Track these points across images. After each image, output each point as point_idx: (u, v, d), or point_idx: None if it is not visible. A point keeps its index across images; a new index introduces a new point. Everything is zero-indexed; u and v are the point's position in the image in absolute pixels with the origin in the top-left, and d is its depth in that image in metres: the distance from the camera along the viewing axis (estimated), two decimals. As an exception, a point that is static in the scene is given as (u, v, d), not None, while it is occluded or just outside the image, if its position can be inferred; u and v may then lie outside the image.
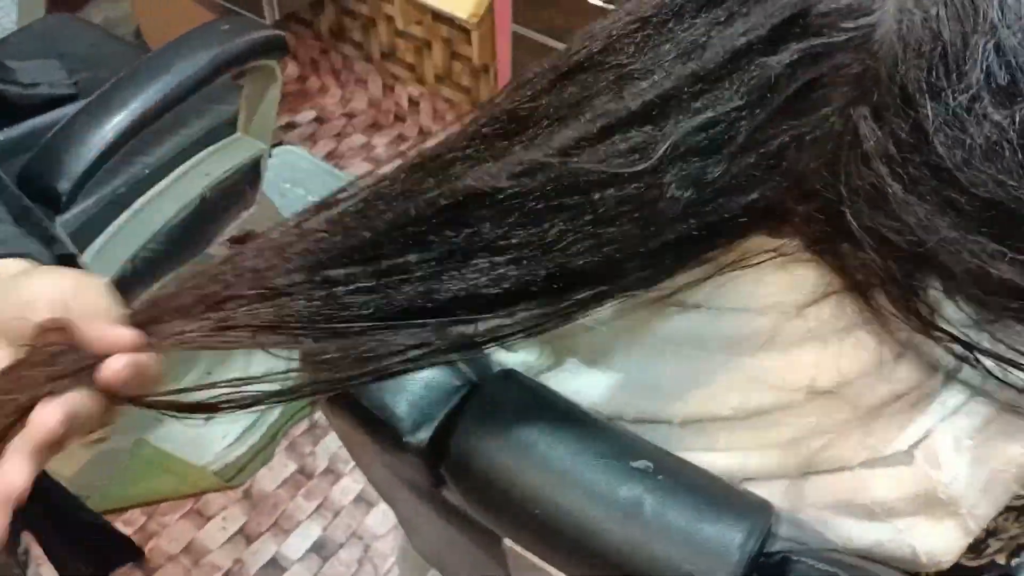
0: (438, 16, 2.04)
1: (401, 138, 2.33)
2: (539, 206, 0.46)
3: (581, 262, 0.46)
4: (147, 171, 1.34)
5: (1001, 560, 0.61)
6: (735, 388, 0.54)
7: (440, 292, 0.47)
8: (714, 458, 0.55)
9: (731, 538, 0.48)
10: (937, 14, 0.40)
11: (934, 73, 0.40)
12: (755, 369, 0.53)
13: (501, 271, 0.47)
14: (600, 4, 1.39)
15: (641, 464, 0.51)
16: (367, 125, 2.37)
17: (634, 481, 0.50)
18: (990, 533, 0.55)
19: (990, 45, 0.40)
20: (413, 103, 2.33)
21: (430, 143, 0.54)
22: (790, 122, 0.43)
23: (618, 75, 0.45)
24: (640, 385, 0.57)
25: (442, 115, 2.29)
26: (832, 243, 0.46)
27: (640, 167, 0.44)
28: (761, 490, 0.54)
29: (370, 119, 2.39)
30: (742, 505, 0.50)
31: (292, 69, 2.51)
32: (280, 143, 2.17)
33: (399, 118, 2.37)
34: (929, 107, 0.40)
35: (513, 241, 0.46)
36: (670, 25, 0.44)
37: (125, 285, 1.26)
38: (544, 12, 1.50)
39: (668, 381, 0.56)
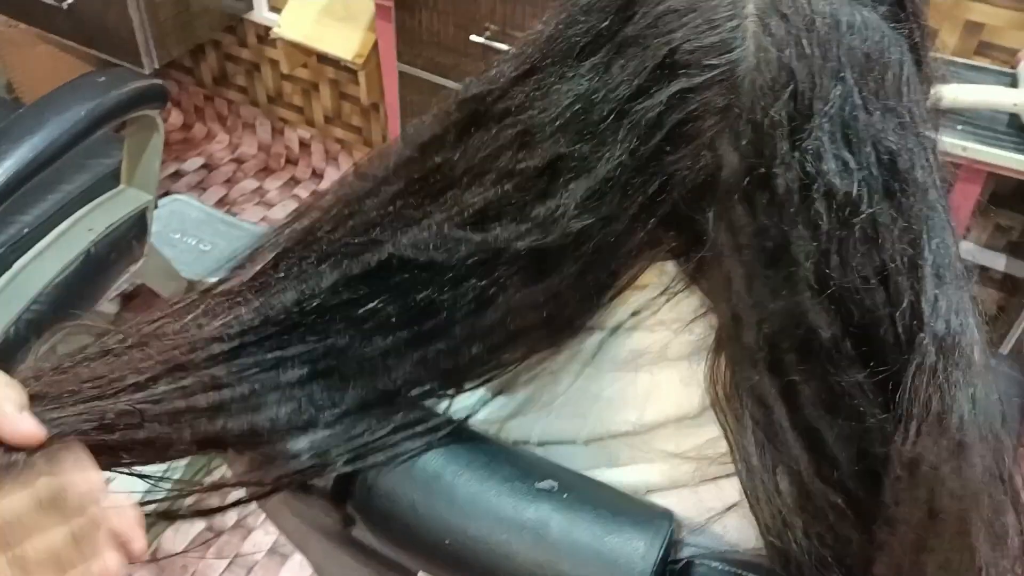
0: (323, 58, 2.04)
1: (294, 180, 2.31)
2: (461, 274, 0.49)
3: (494, 321, 0.50)
4: (27, 230, 1.29)
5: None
6: (632, 404, 0.55)
7: (368, 370, 0.51)
8: (618, 473, 0.57)
9: (634, 548, 0.49)
10: (790, 53, 0.43)
11: (784, 110, 0.43)
12: (650, 384, 0.55)
13: (414, 346, 0.51)
14: (482, 41, 1.43)
15: (546, 485, 0.52)
16: (258, 169, 2.34)
17: (540, 502, 0.51)
18: None
19: (836, 89, 0.43)
20: (304, 145, 2.31)
21: (332, 201, 0.54)
22: (670, 158, 0.45)
23: (516, 132, 0.48)
24: (543, 408, 0.58)
25: (334, 156, 2.28)
26: (704, 269, 0.49)
27: (550, 233, 0.47)
28: (665, 500, 0.56)
29: (260, 163, 2.36)
30: (644, 516, 0.51)
31: (176, 117, 2.46)
32: (167, 193, 2.12)
33: (290, 161, 2.35)
34: (778, 143, 0.44)
35: (437, 306, 0.50)
36: (556, 73, 0.47)
37: (8, 351, 1.20)
38: (427, 51, 1.52)
39: (569, 402, 0.57)
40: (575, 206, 0.46)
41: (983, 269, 1.62)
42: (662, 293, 0.53)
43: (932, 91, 0.52)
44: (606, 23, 0.47)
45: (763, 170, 0.44)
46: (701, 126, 0.44)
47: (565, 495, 0.52)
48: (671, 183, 0.46)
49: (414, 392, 0.54)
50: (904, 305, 0.44)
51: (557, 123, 0.47)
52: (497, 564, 0.51)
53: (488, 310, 0.50)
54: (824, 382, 0.46)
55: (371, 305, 0.50)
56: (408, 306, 0.50)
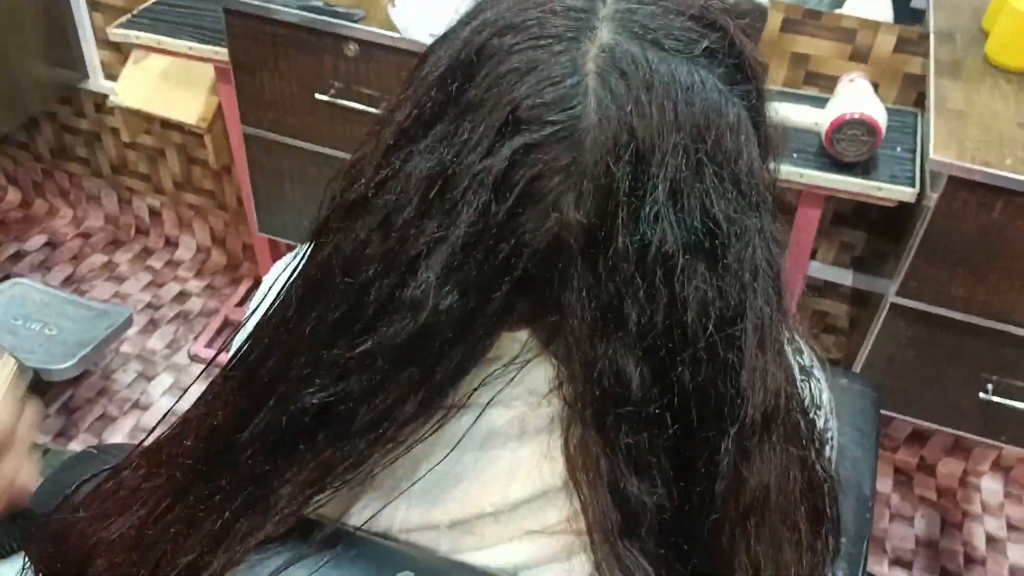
0: (168, 123, 1.96)
1: (146, 251, 2.21)
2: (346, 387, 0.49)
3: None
4: None
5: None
6: (495, 483, 0.54)
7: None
8: (485, 555, 0.55)
9: (499, 636, 0.47)
10: (630, 111, 0.43)
11: (626, 169, 0.43)
12: (511, 461, 0.53)
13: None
14: (327, 99, 1.40)
15: (402, 577, 0.50)
16: (106, 243, 2.23)
17: (397, 598, 0.49)
18: None
19: (672, 151, 0.44)
20: (155, 214, 2.21)
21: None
22: (519, 220, 0.45)
23: (379, 221, 0.47)
24: (404, 496, 0.56)
25: (187, 222, 2.20)
26: (555, 333, 0.48)
27: (419, 313, 0.47)
28: None
29: (109, 236, 2.25)
30: (508, 599, 0.49)
31: (13, 195, 2.32)
32: (7, 277, 1.98)
33: (141, 231, 2.25)
34: (618, 204, 0.43)
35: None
36: (408, 150, 0.47)
37: None
38: (271, 111, 1.48)
39: (430, 487, 0.55)
40: (436, 279, 0.46)
41: (833, 286, 1.70)
42: (512, 362, 0.51)
43: (772, 153, 0.53)
44: (452, 87, 0.46)
45: (603, 231, 0.44)
46: (546, 185, 0.44)
47: (424, 586, 0.49)
48: (521, 246, 0.45)
49: (291, 502, 0.52)
50: (722, 375, 0.45)
51: (414, 200, 0.46)
52: (356, 671, 0.47)
53: (369, 405, 0.49)
54: (637, 443, 0.46)
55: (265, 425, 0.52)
56: (301, 422, 0.51)
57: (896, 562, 1.68)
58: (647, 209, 0.43)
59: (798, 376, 0.59)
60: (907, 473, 1.83)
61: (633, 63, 0.44)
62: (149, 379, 1.91)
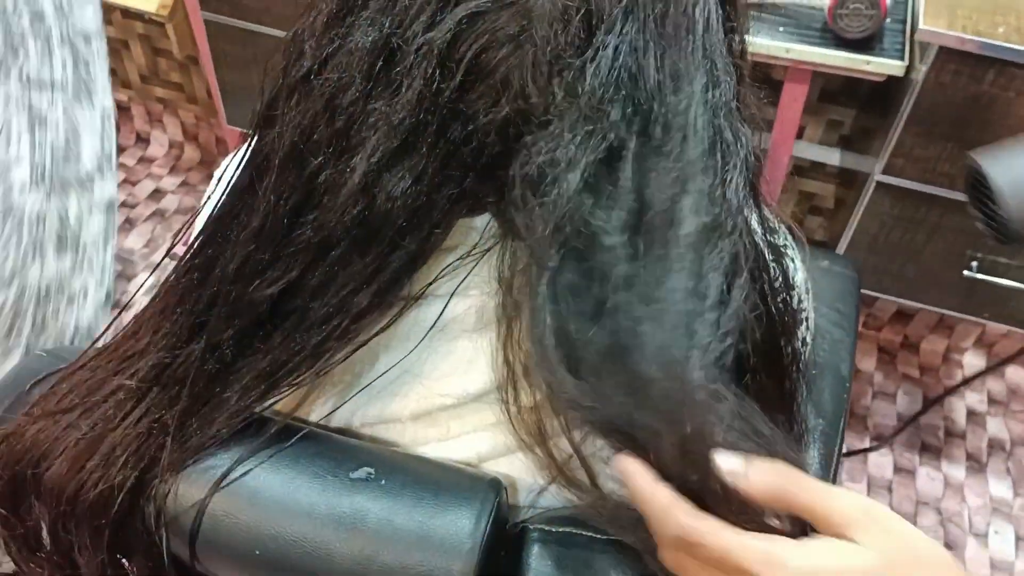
0: (129, 12, 1.88)
1: (118, 149, 2.15)
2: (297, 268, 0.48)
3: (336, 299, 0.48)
4: None
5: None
6: (455, 374, 0.52)
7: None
8: (447, 447, 0.54)
9: (460, 527, 0.46)
10: None
11: (575, 36, 0.40)
12: (471, 352, 0.52)
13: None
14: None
15: (361, 474, 0.49)
16: (76, 141, 2.17)
17: (356, 493, 0.48)
18: None
19: (620, 12, 0.40)
20: (123, 109, 2.14)
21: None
22: (470, 97, 0.42)
23: (324, 102, 0.44)
24: (365, 391, 0.54)
25: (158, 117, 2.13)
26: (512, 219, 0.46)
27: (374, 200, 0.44)
28: (498, 467, 0.53)
29: (78, 134, 2.18)
30: (470, 490, 0.49)
31: (-25, 92, 2.24)
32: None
33: (111, 127, 2.18)
34: (567, 69, 0.40)
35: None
36: (348, 22, 0.44)
37: None
38: (232, -5, 1.41)
39: (390, 380, 0.53)
40: (385, 163, 0.43)
41: (820, 166, 1.66)
42: (470, 252, 0.49)
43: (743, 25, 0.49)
44: None
45: (554, 103, 0.41)
46: (494, 57, 0.41)
47: (383, 481, 0.49)
48: (473, 127, 0.43)
49: (243, 397, 0.50)
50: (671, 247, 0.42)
51: (357, 78, 0.43)
52: (316, 567, 0.47)
53: (322, 298, 0.47)
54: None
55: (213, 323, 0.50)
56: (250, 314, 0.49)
57: (877, 438, 1.71)
58: (592, 76, 0.41)
59: (769, 256, 0.57)
60: (891, 352, 1.84)
61: None
62: (129, 279, 1.89)
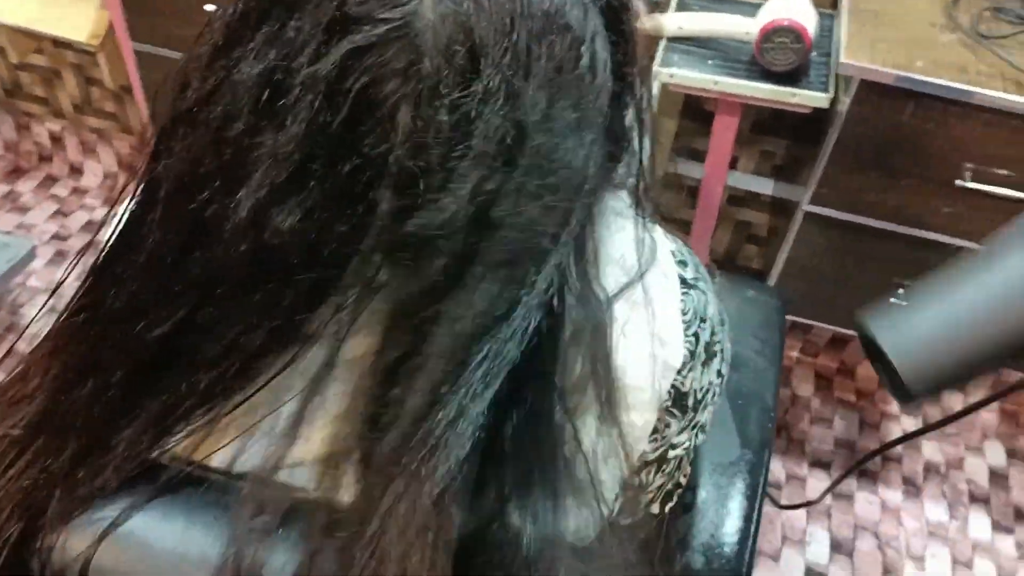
0: (60, 42, 1.84)
1: (50, 179, 2.10)
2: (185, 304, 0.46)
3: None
4: None
5: (656, 510, 0.64)
6: (358, 416, 0.51)
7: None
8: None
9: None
10: (467, 6, 0.39)
11: (457, 71, 0.39)
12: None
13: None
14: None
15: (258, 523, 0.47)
16: (7, 172, 2.11)
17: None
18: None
19: (503, 50, 0.40)
20: (56, 139, 2.10)
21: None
22: (360, 131, 0.41)
23: (211, 134, 0.43)
24: (268, 432, 0.53)
25: (91, 147, 2.09)
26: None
27: (262, 231, 0.43)
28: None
29: (9, 164, 2.13)
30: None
31: (-99, 124, 2.18)
32: (-103, 210, 1.87)
33: (44, 158, 2.13)
34: (446, 105, 0.40)
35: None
36: (235, 54, 0.42)
37: None
38: (162, 25, 1.39)
39: (293, 421, 0.52)
40: (273, 197, 0.42)
41: (755, 195, 1.69)
42: (364, 288, 0.48)
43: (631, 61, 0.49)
44: None
45: (433, 137, 0.40)
46: (381, 91, 0.40)
47: (280, 530, 0.47)
48: (363, 161, 0.42)
49: (133, 445, 0.48)
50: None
51: (244, 111, 0.42)
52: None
53: (214, 337, 0.46)
54: None
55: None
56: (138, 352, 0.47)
57: (815, 464, 1.72)
58: (467, 110, 0.40)
59: (679, 289, 0.56)
60: (827, 377, 1.87)
61: None
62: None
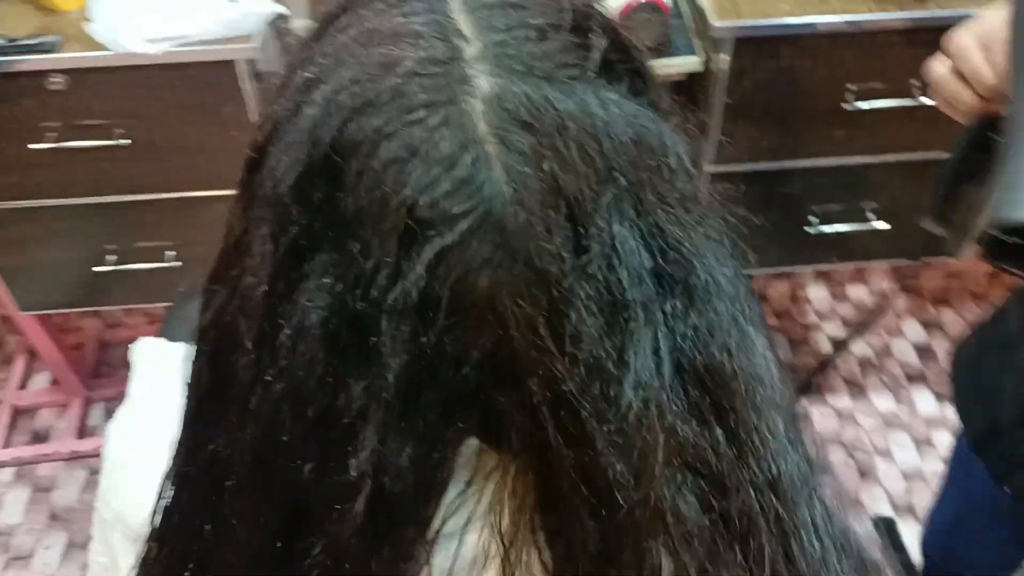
0: None
1: None
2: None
3: None
4: None
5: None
6: None
7: None
8: None
9: None
10: (549, 167, 0.34)
11: (560, 236, 0.35)
12: None
13: None
14: (47, 147, 1.17)
15: None
16: None
17: None
18: None
19: (609, 194, 0.35)
20: None
21: None
22: (457, 336, 0.35)
23: (282, 399, 0.37)
24: None
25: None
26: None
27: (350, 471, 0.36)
28: None
29: None
30: None
31: None
32: None
33: None
34: (564, 272, 0.35)
35: None
36: (286, 303, 0.36)
37: None
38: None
39: None
40: (381, 442, 0.36)
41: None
42: (472, 480, 0.42)
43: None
44: (316, 199, 0.35)
45: (553, 312, 0.35)
46: (473, 286, 0.35)
47: None
48: (463, 365, 0.36)
49: None
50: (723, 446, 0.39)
51: (320, 363, 0.36)
52: None
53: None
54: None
55: None
56: None
57: (766, 395, 1.77)
58: (596, 266, 0.35)
59: None
60: (746, 309, 1.92)
61: (532, 108, 0.35)
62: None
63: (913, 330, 1.90)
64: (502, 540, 0.41)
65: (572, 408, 0.36)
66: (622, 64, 0.39)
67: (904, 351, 1.86)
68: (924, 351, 1.86)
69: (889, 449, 1.71)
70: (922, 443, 1.72)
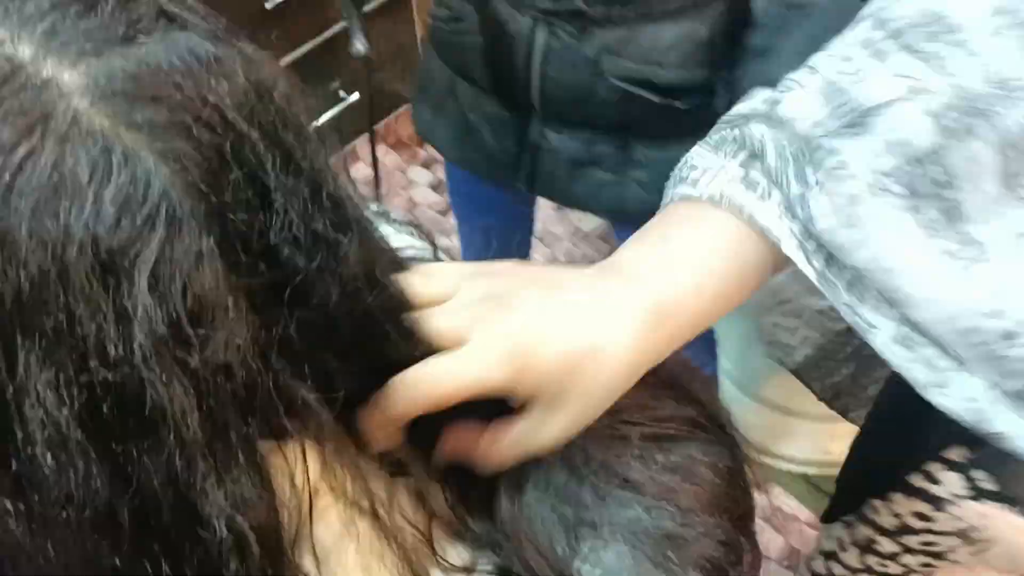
0: None
1: None
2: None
3: None
4: None
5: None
6: None
7: None
8: None
9: None
10: (196, 129, 0.30)
11: (246, 190, 0.32)
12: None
13: None
14: None
15: None
16: None
17: None
18: None
19: (267, 150, 0.33)
20: None
21: None
22: (216, 339, 0.31)
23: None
24: None
25: None
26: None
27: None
28: None
29: None
30: None
31: None
32: None
33: None
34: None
35: None
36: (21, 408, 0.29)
37: None
38: None
39: None
40: (224, 496, 0.32)
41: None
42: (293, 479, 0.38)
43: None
44: None
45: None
46: (204, 280, 0.31)
47: None
48: (241, 364, 0.32)
49: None
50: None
51: (94, 458, 0.29)
52: None
53: None
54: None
55: None
56: None
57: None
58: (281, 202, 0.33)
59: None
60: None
61: (137, 77, 0.30)
62: None
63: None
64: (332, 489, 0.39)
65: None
66: (183, 12, 0.33)
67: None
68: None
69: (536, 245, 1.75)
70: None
